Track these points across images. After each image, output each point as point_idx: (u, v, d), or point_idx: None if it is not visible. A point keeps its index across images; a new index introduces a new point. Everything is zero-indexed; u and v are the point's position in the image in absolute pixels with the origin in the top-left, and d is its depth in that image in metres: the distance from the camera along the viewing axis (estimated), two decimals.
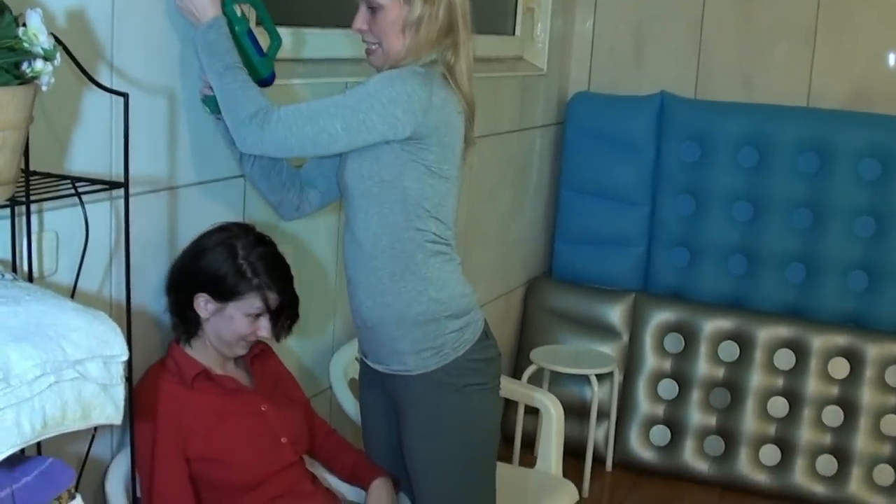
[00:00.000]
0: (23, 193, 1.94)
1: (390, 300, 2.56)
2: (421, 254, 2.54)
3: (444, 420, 2.63)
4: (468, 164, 2.67)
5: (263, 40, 2.61)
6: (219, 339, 2.54)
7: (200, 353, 2.57)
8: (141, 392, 2.46)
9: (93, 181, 2.07)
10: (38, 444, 2.15)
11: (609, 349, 4.75)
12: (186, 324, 2.55)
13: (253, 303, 2.49)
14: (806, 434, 4.46)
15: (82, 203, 2.07)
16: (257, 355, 2.69)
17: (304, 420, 2.75)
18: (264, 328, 2.53)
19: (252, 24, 2.64)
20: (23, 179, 1.95)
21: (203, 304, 2.50)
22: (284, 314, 2.58)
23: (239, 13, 2.54)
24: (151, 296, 2.58)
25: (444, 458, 2.66)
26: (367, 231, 2.55)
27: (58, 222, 2.23)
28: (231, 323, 2.51)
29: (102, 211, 2.33)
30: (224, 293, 2.49)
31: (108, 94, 2.14)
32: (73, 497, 1.92)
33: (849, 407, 4.41)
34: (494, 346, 2.72)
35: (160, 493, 2.40)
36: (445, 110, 2.50)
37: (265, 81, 2.56)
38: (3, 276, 1.98)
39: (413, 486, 2.71)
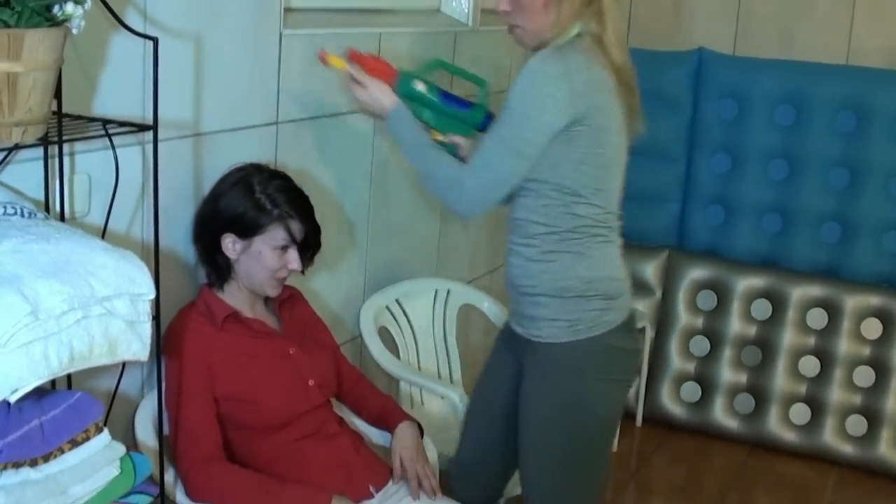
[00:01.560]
0: (55, 134, 1.99)
1: (539, 272, 2.54)
2: (576, 235, 2.51)
3: (560, 396, 2.59)
4: (634, 133, 2.61)
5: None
6: (250, 279, 2.58)
7: (232, 296, 2.61)
8: (171, 332, 2.52)
9: (122, 123, 2.12)
10: (69, 380, 2.21)
11: (642, 305, 4.76)
12: (218, 269, 2.60)
13: (277, 234, 2.54)
14: (836, 394, 4.46)
15: (112, 144, 2.12)
16: (286, 300, 2.74)
17: (332, 364, 2.80)
18: (293, 260, 2.58)
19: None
20: (55, 121, 2.00)
21: (231, 245, 2.55)
22: (309, 244, 2.63)
23: (423, 88, 2.69)
24: (180, 238, 2.62)
25: (551, 433, 2.63)
26: (525, 214, 2.55)
27: (91, 165, 2.28)
28: (260, 259, 2.55)
29: (133, 155, 2.37)
30: (247, 229, 2.53)
31: (139, 39, 2.17)
32: (100, 430, 1.98)
33: (880, 367, 4.40)
34: (634, 341, 2.68)
35: (186, 429, 2.45)
36: (591, 94, 2.43)
37: (483, 126, 2.71)
38: (35, 215, 2.03)
39: (519, 452, 2.71)
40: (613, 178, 2.55)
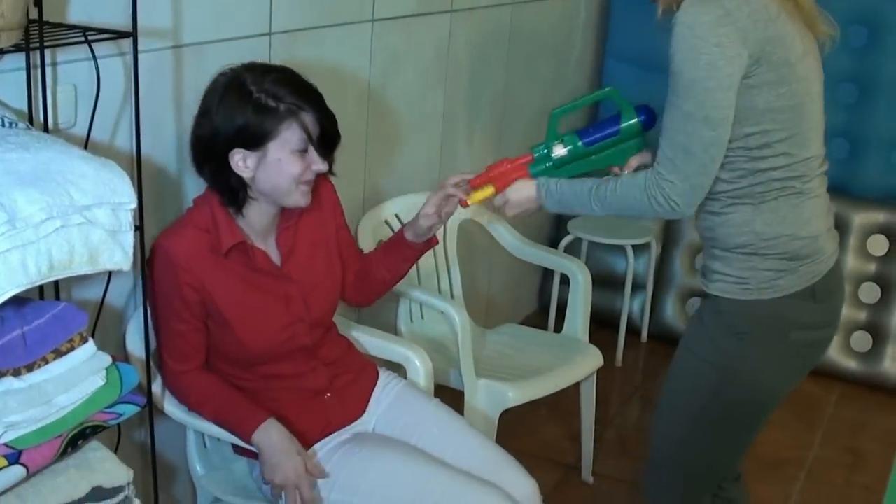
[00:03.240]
0: (33, 42, 1.97)
1: (718, 224, 2.28)
2: (760, 189, 2.22)
3: (711, 354, 2.34)
4: (825, 42, 2.33)
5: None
6: (275, 193, 2.37)
7: (247, 222, 2.44)
8: (166, 243, 2.37)
9: (101, 30, 2.09)
10: (57, 290, 2.22)
11: (648, 221, 4.74)
12: (234, 192, 2.37)
13: (292, 135, 2.31)
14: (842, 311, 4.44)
15: (93, 53, 2.09)
16: (292, 225, 2.54)
17: (333, 292, 2.65)
18: (316, 161, 2.36)
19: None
20: (35, 29, 1.97)
21: (241, 162, 2.32)
22: (327, 137, 2.39)
23: (563, 150, 2.47)
24: (165, 149, 2.56)
25: (690, 387, 2.40)
26: None
27: (76, 76, 2.25)
28: (281, 167, 2.32)
29: (116, 65, 2.33)
30: (256, 138, 2.30)
31: None
32: (85, 341, 1.98)
33: (885, 284, 4.38)
34: (819, 315, 2.32)
35: (168, 345, 2.43)
36: (759, 27, 2.11)
37: (646, 123, 2.46)
38: (16, 124, 2.01)
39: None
40: (807, 117, 2.23)
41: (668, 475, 2.52)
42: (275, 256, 2.51)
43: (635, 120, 2.45)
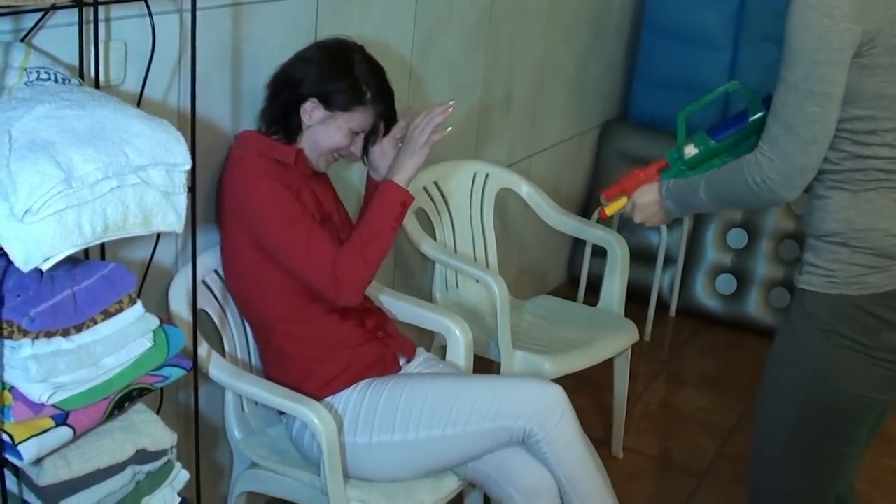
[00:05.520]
0: None
1: (813, 207, 2.17)
2: (861, 177, 2.10)
3: (800, 355, 2.19)
4: None
5: None
6: (313, 148, 2.60)
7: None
8: (239, 176, 2.49)
9: None
10: (102, 250, 2.19)
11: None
12: (287, 129, 2.59)
13: (361, 119, 2.58)
14: None
15: (149, 10, 2.06)
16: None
17: None
18: (358, 146, 2.64)
19: None
20: None
21: (310, 110, 2.56)
22: (378, 133, 2.67)
23: (693, 150, 2.41)
24: (216, 108, 2.56)
25: (782, 393, 2.25)
26: None
27: (127, 32, 2.22)
28: (334, 133, 2.58)
29: (170, 23, 2.31)
30: (337, 104, 2.55)
31: None
32: (133, 302, 1.96)
33: None
34: None
35: (302, 253, 2.48)
36: (878, 4, 1.98)
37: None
38: (69, 81, 1.98)
39: None
40: None
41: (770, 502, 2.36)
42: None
43: (763, 113, 2.32)
